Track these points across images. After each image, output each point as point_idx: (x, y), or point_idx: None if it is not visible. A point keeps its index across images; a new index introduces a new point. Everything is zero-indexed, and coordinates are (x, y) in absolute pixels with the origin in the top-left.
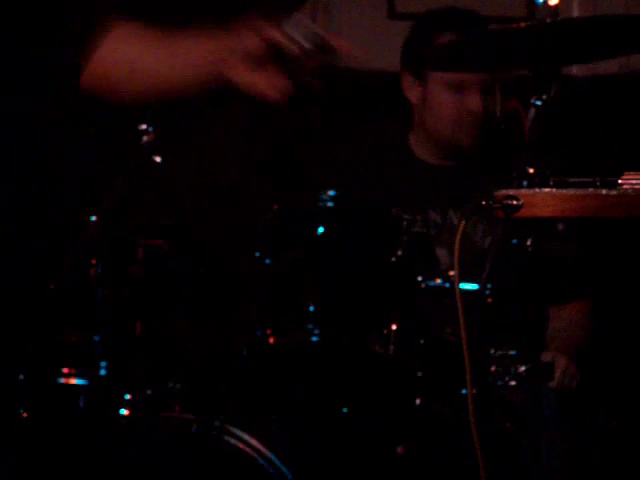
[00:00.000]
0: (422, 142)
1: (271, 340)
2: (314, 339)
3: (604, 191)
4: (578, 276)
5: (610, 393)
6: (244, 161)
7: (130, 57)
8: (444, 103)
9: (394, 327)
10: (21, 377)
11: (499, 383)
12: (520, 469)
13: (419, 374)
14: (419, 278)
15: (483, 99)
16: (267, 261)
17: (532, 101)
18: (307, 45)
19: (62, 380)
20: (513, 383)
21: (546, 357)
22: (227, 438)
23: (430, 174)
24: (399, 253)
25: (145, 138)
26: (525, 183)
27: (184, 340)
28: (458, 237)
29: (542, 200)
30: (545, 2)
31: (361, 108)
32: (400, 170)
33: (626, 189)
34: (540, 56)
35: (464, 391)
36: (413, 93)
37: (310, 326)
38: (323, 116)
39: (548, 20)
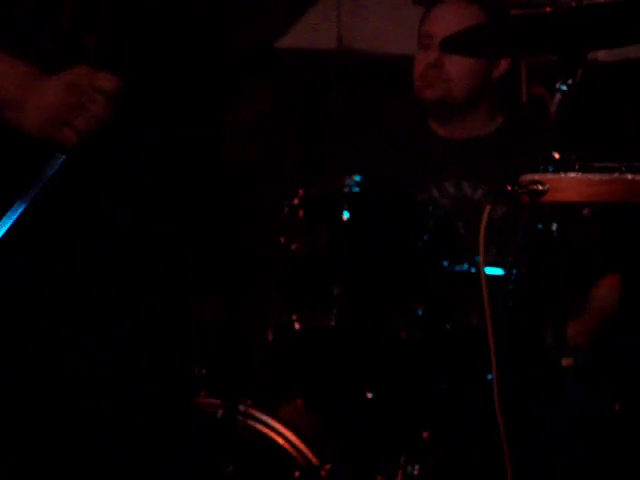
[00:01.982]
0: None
1: (297, 325)
2: (340, 324)
3: (629, 176)
4: (603, 256)
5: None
6: (269, 145)
7: None
8: (416, 60)
9: (419, 312)
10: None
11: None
12: (545, 454)
13: (444, 359)
14: (445, 263)
15: (441, 55)
16: (293, 246)
17: (558, 86)
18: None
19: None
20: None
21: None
22: (252, 423)
23: (445, 146)
24: (425, 238)
25: None
26: (551, 168)
27: (210, 326)
28: (483, 224)
29: (567, 185)
30: None
31: (385, 92)
32: (418, 145)
33: None
34: (565, 41)
35: (490, 376)
36: None
37: (336, 311)
38: (346, 100)
39: (573, 4)
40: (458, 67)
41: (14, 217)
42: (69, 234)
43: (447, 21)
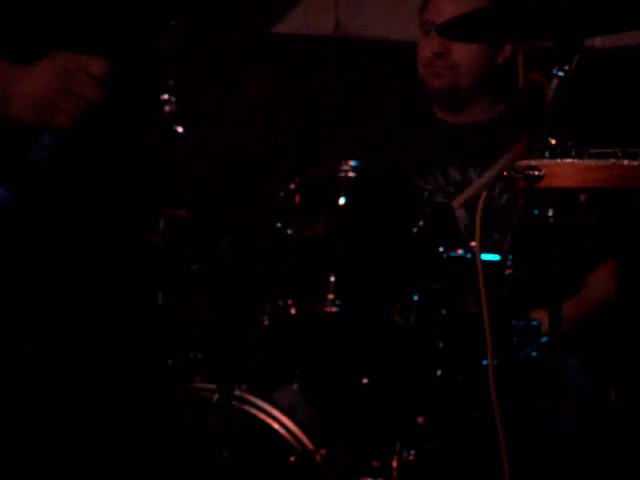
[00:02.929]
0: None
1: (292, 310)
2: (335, 310)
3: (626, 162)
4: (600, 242)
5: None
6: (266, 130)
7: None
8: (419, 46)
9: (415, 298)
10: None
11: (521, 354)
12: (542, 439)
13: (440, 345)
14: (440, 249)
15: (447, 42)
16: (289, 231)
17: (555, 72)
18: None
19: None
20: (535, 353)
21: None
22: (248, 408)
23: (450, 132)
24: (421, 224)
25: (167, 108)
26: (547, 154)
27: (205, 310)
28: (479, 208)
29: (564, 171)
30: None
31: (384, 77)
32: (422, 130)
33: None
34: (562, 27)
35: (485, 362)
36: None
37: (332, 296)
38: (344, 85)
39: None
40: (464, 54)
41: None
42: (69, 233)
43: (448, 8)
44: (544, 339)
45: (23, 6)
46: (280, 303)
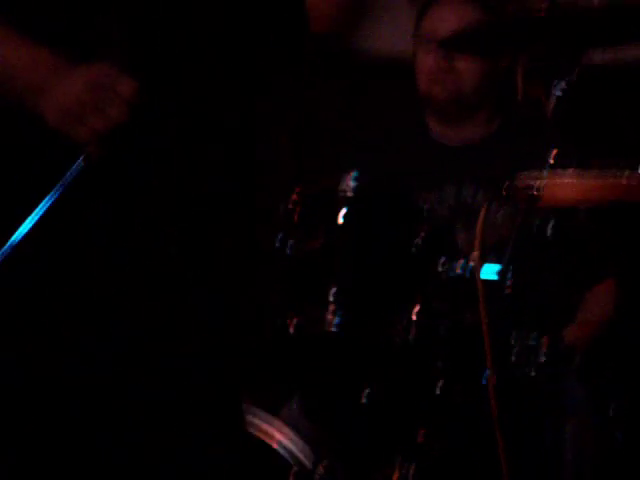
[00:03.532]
0: (430, 115)
1: (292, 326)
2: (335, 326)
3: (625, 176)
4: (601, 258)
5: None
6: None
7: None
8: (419, 60)
9: (415, 314)
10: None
11: (520, 371)
12: (542, 456)
13: (439, 361)
14: (440, 265)
15: (450, 55)
16: (288, 246)
17: (554, 86)
18: None
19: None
20: (534, 371)
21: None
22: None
23: (445, 150)
24: (420, 240)
25: None
26: (547, 168)
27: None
28: (480, 224)
29: (563, 186)
30: None
31: (383, 92)
32: (417, 148)
33: None
34: (562, 42)
35: (484, 379)
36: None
37: (331, 311)
38: (343, 100)
39: (569, 5)
40: (468, 62)
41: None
42: (68, 233)
43: (447, 21)
44: (543, 358)
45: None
46: (279, 319)
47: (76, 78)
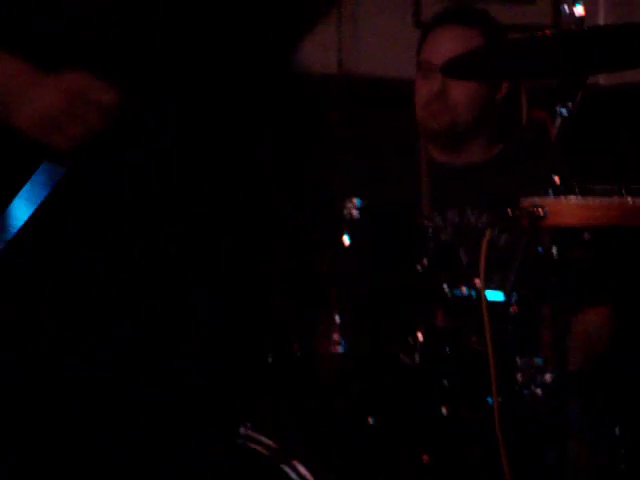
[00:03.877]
0: (429, 141)
1: (297, 350)
2: (340, 349)
3: (630, 199)
4: (601, 281)
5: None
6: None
7: None
8: (417, 88)
9: (420, 336)
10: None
11: (525, 392)
12: (546, 475)
13: (445, 383)
14: (445, 287)
15: (444, 84)
16: (293, 270)
17: (558, 110)
18: None
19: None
20: (539, 392)
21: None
22: (253, 446)
23: (446, 174)
24: (425, 262)
25: None
26: (551, 191)
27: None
28: (484, 247)
29: (567, 209)
30: (571, 10)
31: (387, 117)
32: (419, 172)
33: None
34: (566, 65)
35: (490, 400)
36: None
37: (336, 335)
38: (346, 125)
39: (574, 28)
40: (463, 93)
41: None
42: (67, 235)
43: (446, 47)
44: (548, 376)
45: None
46: (285, 342)
47: (51, 87)
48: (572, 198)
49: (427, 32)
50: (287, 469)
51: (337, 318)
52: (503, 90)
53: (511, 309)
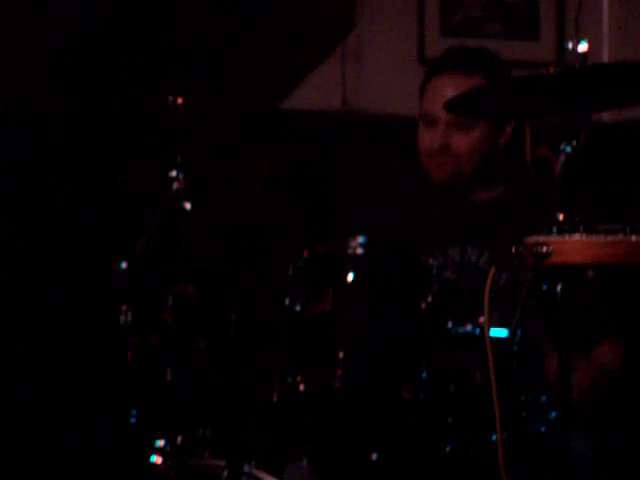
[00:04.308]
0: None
1: (301, 386)
2: (344, 385)
3: (634, 237)
4: (607, 318)
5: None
6: (273, 206)
7: None
8: (420, 137)
9: (424, 373)
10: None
11: (529, 429)
12: None
13: (449, 420)
14: (449, 324)
15: (447, 136)
16: (297, 307)
17: (562, 147)
18: None
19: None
20: (543, 429)
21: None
22: None
23: (448, 212)
24: (429, 299)
25: (175, 185)
26: (555, 229)
27: (214, 386)
28: (488, 285)
29: (572, 247)
30: (574, 47)
31: (391, 154)
32: (421, 210)
33: None
34: (570, 102)
35: (494, 437)
36: None
37: (340, 372)
38: (350, 161)
39: (577, 65)
40: (466, 144)
41: None
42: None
43: (448, 97)
44: (553, 414)
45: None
46: (289, 379)
47: None
48: (576, 236)
49: (428, 78)
50: None
51: (341, 354)
52: (507, 133)
53: (515, 346)
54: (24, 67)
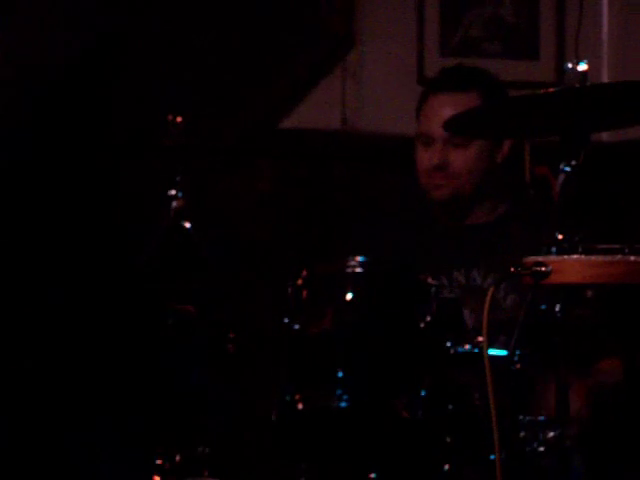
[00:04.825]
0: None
1: (300, 405)
2: (343, 405)
3: (632, 257)
4: (605, 338)
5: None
6: (272, 225)
7: None
8: (417, 157)
9: (423, 392)
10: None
11: (528, 449)
12: None
13: (448, 439)
14: (448, 344)
15: (444, 154)
16: (296, 326)
17: (561, 167)
18: None
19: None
20: (542, 449)
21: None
22: None
23: (451, 235)
24: (428, 319)
25: (174, 204)
26: (554, 249)
27: (213, 405)
28: (487, 304)
29: (571, 266)
30: (574, 67)
31: (390, 172)
32: (424, 232)
33: None
34: (569, 122)
35: (492, 457)
36: None
37: (339, 392)
38: (350, 181)
39: (577, 85)
40: (463, 163)
41: None
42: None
43: (444, 116)
44: (551, 434)
45: None
46: (287, 398)
47: None
48: (575, 256)
49: (424, 98)
50: None
51: (340, 374)
52: (504, 150)
53: (514, 366)
54: (15, 84)
